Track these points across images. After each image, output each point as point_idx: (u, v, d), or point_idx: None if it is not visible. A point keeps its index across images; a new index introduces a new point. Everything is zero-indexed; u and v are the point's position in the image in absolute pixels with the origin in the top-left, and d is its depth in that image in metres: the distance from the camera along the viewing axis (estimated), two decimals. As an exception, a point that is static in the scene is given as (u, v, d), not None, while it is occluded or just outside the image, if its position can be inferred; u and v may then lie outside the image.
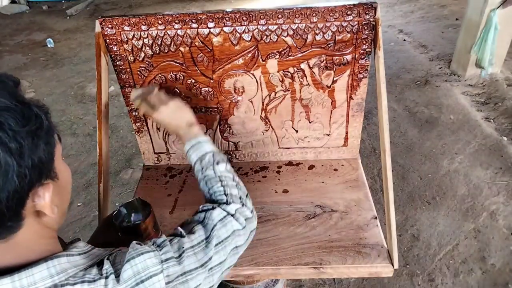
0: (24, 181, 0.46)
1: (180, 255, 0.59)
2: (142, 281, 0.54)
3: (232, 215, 0.69)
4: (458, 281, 1.81)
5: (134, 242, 0.60)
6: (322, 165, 1.22)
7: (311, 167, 1.22)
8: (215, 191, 0.75)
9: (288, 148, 1.23)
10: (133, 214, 0.84)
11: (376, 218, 1.03)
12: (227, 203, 0.71)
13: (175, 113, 0.87)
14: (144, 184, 1.20)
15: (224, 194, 0.73)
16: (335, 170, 1.20)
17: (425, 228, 2.08)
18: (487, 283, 1.79)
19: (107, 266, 0.54)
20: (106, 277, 0.53)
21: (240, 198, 0.74)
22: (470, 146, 2.61)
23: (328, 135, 1.19)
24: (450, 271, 1.86)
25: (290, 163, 1.24)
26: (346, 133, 1.18)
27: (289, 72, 1.06)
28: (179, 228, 0.66)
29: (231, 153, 1.25)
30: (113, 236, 0.81)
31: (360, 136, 1.19)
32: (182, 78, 1.07)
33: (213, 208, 0.69)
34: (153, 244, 0.60)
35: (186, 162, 1.26)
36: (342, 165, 1.21)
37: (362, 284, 1.83)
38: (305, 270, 0.91)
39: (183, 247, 0.60)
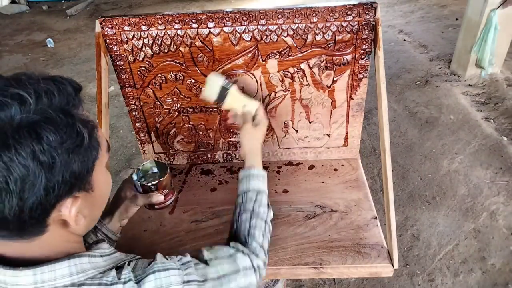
0: (51, 194, 0.46)
1: (202, 281, 0.59)
2: None
3: (255, 270, 0.70)
4: (458, 281, 1.81)
5: (159, 254, 0.60)
6: (322, 165, 1.22)
7: (311, 167, 1.22)
8: (254, 236, 0.77)
9: (288, 148, 1.23)
10: (150, 175, 0.89)
11: (376, 218, 1.03)
12: (255, 254, 0.74)
13: (259, 136, 0.94)
14: (144, 184, 1.20)
15: (260, 245, 0.76)
16: (335, 170, 1.20)
17: (425, 228, 2.08)
18: (487, 283, 1.79)
19: (126, 271, 0.54)
20: (124, 283, 0.53)
21: (265, 254, 0.77)
22: (470, 146, 2.61)
23: (328, 135, 1.19)
24: (450, 271, 1.86)
25: (290, 163, 1.24)
26: (346, 133, 1.18)
27: (289, 72, 1.06)
28: (205, 253, 0.66)
29: (231, 153, 1.25)
30: (136, 194, 0.84)
31: (360, 136, 1.19)
32: (182, 78, 1.07)
33: (243, 253, 0.71)
34: (178, 261, 0.60)
35: (185, 162, 1.26)
36: (342, 165, 1.21)
37: (362, 284, 1.83)
38: (305, 270, 0.91)
39: (206, 275, 0.61)
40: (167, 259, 0.60)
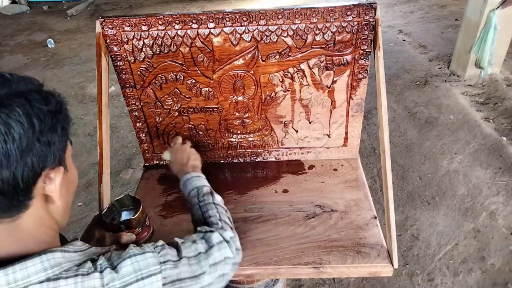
0: (40, 157, 0.50)
1: (177, 260, 0.61)
2: (142, 278, 0.55)
3: (227, 242, 0.72)
4: (458, 281, 1.81)
5: (131, 245, 0.62)
6: (322, 165, 1.22)
7: (311, 167, 1.22)
8: (211, 216, 0.80)
9: (288, 148, 1.23)
10: (123, 212, 0.84)
11: (375, 218, 1.03)
12: (222, 228, 0.76)
13: (184, 154, 0.99)
14: (144, 184, 1.21)
15: (219, 219, 0.78)
16: (335, 170, 1.20)
17: (424, 228, 2.08)
18: (486, 283, 1.80)
19: (101, 261, 0.55)
20: (101, 271, 0.54)
21: (230, 227, 0.79)
22: (470, 146, 2.61)
23: (328, 135, 1.20)
24: (450, 271, 1.86)
25: (290, 163, 1.24)
26: (346, 133, 1.19)
27: (289, 72, 1.06)
28: (176, 239, 0.68)
29: (231, 153, 1.25)
30: (104, 234, 0.81)
31: (359, 136, 1.20)
32: (182, 78, 1.08)
33: (211, 231, 0.73)
34: (152, 245, 0.62)
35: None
36: (342, 165, 1.22)
37: (362, 283, 1.83)
38: (305, 269, 0.92)
39: (180, 255, 0.63)
40: (141, 246, 0.62)
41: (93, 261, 0.55)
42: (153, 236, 0.90)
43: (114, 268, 0.55)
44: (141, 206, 0.83)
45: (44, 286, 0.49)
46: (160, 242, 0.64)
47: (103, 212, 0.82)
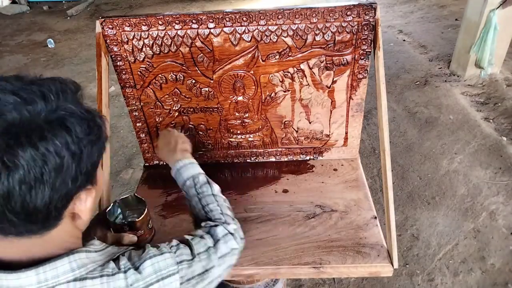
0: (75, 184, 0.50)
1: (191, 259, 0.63)
2: (163, 278, 0.57)
3: (232, 234, 0.74)
4: (458, 281, 1.81)
5: (148, 244, 0.63)
6: (322, 165, 1.22)
7: (311, 167, 1.22)
8: (212, 210, 0.79)
9: (288, 148, 1.23)
10: (127, 212, 0.84)
11: (375, 218, 1.03)
12: (226, 222, 0.76)
13: (171, 139, 0.94)
14: (144, 184, 1.21)
15: (221, 213, 0.78)
16: (335, 170, 1.20)
17: (424, 228, 2.08)
18: (486, 282, 1.80)
19: (123, 261, 0.57)
20: (125, 271, 0.55)
21: (233, 219, 0.79)
22: (470, 146, 2.61)
23: (328, 135, 1.20)
24: (450, 271, 1.86)
25: (290, 163, 1.24)
26: (346, 133, 1.19)
27: (289, 72, 1.06)
28: (186, 236, 0.70)
29: (231, 153, 1.25)
30: (106, 232, 0.81)
31: (360, 136, 1.20)
32: (182, 78, 1.08)
33: (216, 225, 0.74)
34: (167, 245, 0.64)
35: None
36: (342, 165, 1.22)
37: (362, 283, 1.83)
38: (305, 269, 0.92)
39: (193, 253, 0.65)
40: (158, 246, 0.63)
41: (115, 261, 0.57)
42: (154, 237, 0.90)
43: (136, 268, 0.56)
44: (146, 208, 0.83)
45: (71, 286, 0.51)
46: (174, 242, 0.66)
47: (107, 210, 0.81)
